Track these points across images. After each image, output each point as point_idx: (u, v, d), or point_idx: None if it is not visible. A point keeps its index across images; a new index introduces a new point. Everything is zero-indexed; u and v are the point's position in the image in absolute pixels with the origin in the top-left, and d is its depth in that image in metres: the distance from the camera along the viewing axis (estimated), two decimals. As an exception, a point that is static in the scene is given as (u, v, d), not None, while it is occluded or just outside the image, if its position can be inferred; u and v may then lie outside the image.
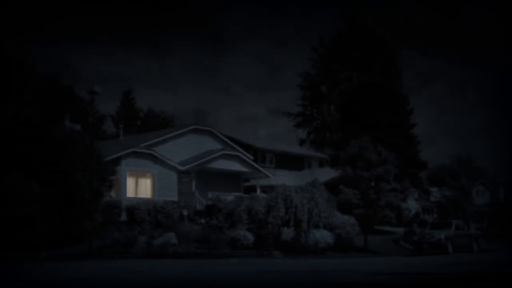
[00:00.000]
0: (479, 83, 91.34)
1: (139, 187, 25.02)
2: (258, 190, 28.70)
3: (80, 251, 17.79)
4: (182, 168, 26.38)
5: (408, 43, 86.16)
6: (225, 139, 29.80)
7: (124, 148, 24.74)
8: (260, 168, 30.02)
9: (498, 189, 41.74)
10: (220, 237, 20.55)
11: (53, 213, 18.10)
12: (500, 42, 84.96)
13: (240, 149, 29.74)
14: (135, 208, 22.18)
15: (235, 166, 28.67)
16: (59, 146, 19.41)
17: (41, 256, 16.83)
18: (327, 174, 32.31)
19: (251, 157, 30.47)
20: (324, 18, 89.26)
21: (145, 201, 23.28)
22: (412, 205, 32.81)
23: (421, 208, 35.80)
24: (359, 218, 24.18)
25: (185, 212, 23.70)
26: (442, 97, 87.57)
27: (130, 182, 24.62)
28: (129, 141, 28.43)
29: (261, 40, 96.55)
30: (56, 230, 17.98)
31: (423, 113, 78.70)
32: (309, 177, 28.70)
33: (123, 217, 22.15)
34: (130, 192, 24.44)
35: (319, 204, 21.62)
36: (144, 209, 22.06)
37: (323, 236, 21.30)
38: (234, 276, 10.30)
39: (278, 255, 19.70)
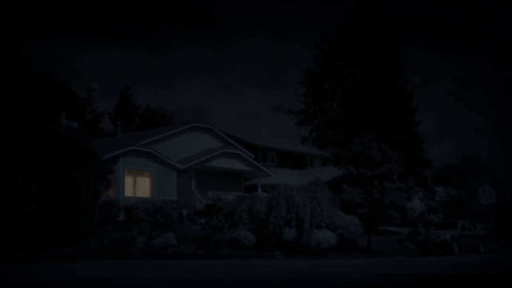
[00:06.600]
0: (485, 80, 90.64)
1: (137, 186, 24.75)
2: (259, 189, 28.34)
3: (77, 251, 17.58)
4: (182, 167, 26.06)
5: (413, 39, 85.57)
6: (226, 137, 29.46)
7: (122, 146, 24.48)
8: (261, 167, 29.65)
9: (505, 189, 41.21)
10: (221, 237, 20.23)
11: (49, 213, 17.83)
12: (506, 39, 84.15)
13: (240, 147, 29.40)
14: (133, 208, 21.88)
15: (236, 165, 28.33)
16: (55, 144, 19.12)
17: (38, 257, 16.53)
18: (329, 173, 31.90)
19: (252, 156, 30.13)
20: (327, 13, 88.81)
21: (143, 200, 22.96)
22: (416, 204, 32.37)
23: (426, 208, 35.34)
24: (362, 218, 23.80)
25: (184, 212, 23.38)
26: (448, 94, 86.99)
27: (128, 181, 24.36)
28: (127, 139, 28.16)
29: (262, 36, 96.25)
30: (52, 230, 17.71)
31: (428, 110, 78.34)
32: (311, 176, 28.27)
33: (121, 217, 21.86)
34: (128, 192, 24.16)
35: (321, 204, 21.26)
36: (143, 209, 21.75)
37: (325, 236, 20.94)
38: (235, 277, 10.05)
39: (279, 255, 19.36)
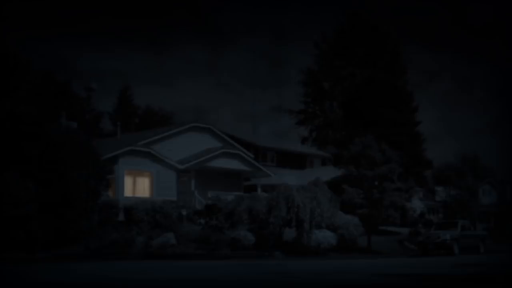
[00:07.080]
0: (486, 80, 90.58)
1: (137, 186, 24.75)
2: (259, 190, 28.33)
3: (76, 251, 17.55)
4: (181, 167, 26.04)
5: (414, 39, 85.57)
6: (225, 137, 29.44)
7: (121, 147, 24.46)
8: (261, 167, 29.62)
9: (505, 189, 41.17)
10: (220, 237, 20.18)
11: (49, 213, 17.81)
12: (507, 39, 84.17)
13: (240, 147, 29.37)
14: (133, 208, 21.82)
15: (235, 165, 28.30)
16: (55, 144, 19.10)
17: (37, 257, 16.50)
18: (329, 173, 31.85)
19: (252, 156, 30.10)
20: (327, 13, 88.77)
21: (143, 200, 22.93)
22: (417, 204, 32.37)
23: (426, 208, 35.33)
24: (362, 218, 23.75)
25: (184, 212, 23.31)
26: (448, 94, 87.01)
27: (127, 181, 24.35)
28: (126, 139, 28.09)
29: (261, 36, 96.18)
30: (52, 230, 17.68)
31: (429, 110, 78.39)
32: (311, 176, 28.21)
33: (121, 217, 21.83)
34: (127, 192, 24.15)
35: (321, 204, 21.23)
36: (142, 209, 21.69)
37: (325, 236, 20.90)
38: (235, 277, 10.03)
39: (279, 256, 19.32)
